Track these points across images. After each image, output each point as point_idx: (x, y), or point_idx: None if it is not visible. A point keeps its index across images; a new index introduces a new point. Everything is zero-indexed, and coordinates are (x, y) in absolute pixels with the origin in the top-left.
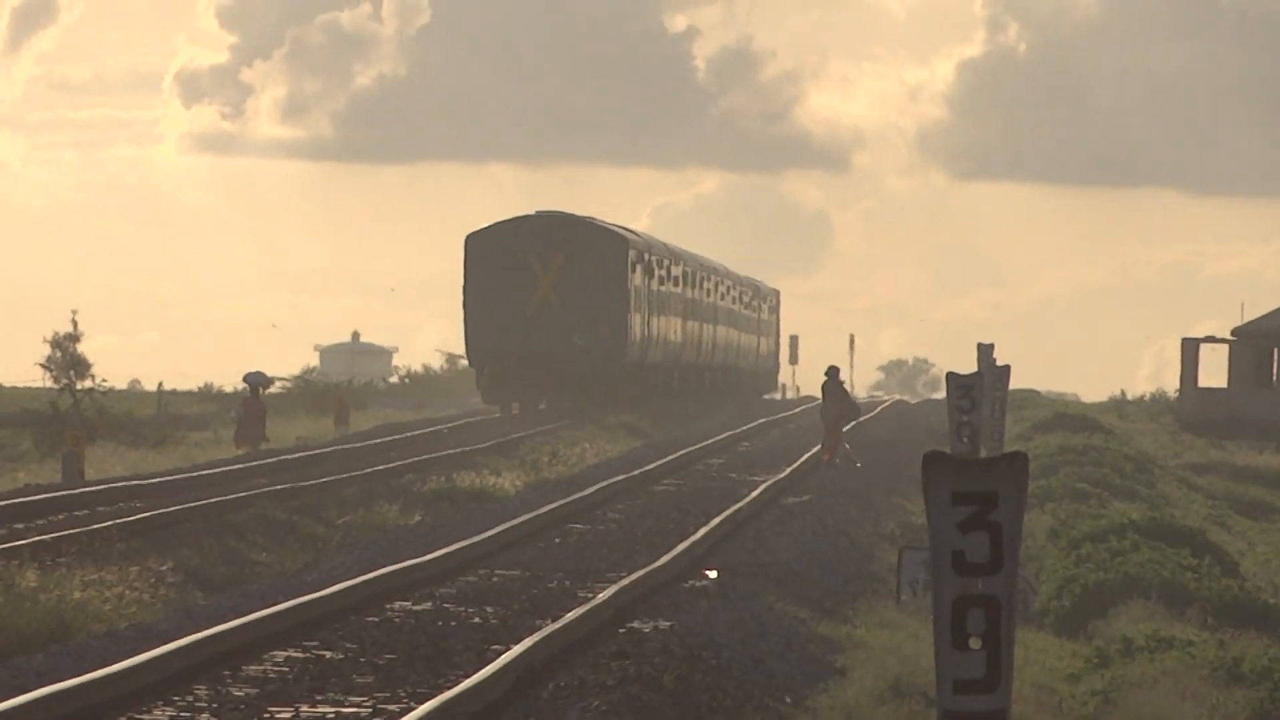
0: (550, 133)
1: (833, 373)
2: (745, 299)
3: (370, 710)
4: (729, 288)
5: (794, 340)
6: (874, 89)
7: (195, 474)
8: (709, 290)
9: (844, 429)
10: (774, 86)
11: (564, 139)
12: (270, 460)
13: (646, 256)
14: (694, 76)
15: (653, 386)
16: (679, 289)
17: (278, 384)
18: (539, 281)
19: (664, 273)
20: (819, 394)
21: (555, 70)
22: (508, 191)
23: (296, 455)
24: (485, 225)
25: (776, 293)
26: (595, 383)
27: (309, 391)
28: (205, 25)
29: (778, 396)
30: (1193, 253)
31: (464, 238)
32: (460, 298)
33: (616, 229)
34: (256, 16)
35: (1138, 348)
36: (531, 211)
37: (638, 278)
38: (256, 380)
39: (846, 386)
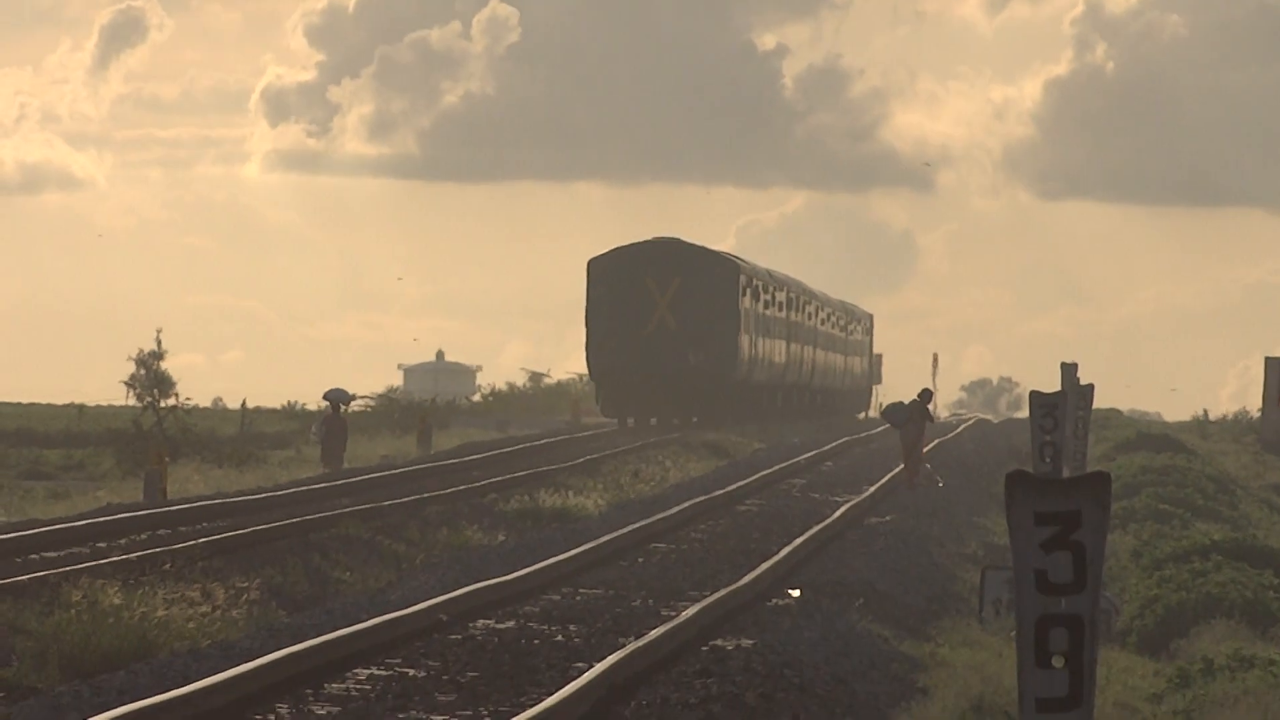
0: (637, 151)
1: (925, 395)
2: (841, 322)
3: None
4: (828, 312)
5: (877, 359)
6: (961, 107)
7: (278, 493)
8: (809, 314)
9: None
10: (861, 104)
11: (651, 158)
12: (353, 479)
13: (755, 282)
14: (781, 95)
15: (758, 404)
16: (783, 313)
17: (361, 403)
18: (656, 303)
19: (769, 297)
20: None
21: (642, 89)
22: (594, 210)
23: (380, 474)
24: (606, 250)
25: (870, 316)
26: (707, 399)
27: (393, 410)
28: (294, 43)
29: (861, 416)
30: (1278, 271)
31: (586, 261)
32: (549, 317)
33: (729, 255)
34: (345, 34)
35: (1222, 367)
36: (647, 236)
37: (747, 301)
38: (338, 397)
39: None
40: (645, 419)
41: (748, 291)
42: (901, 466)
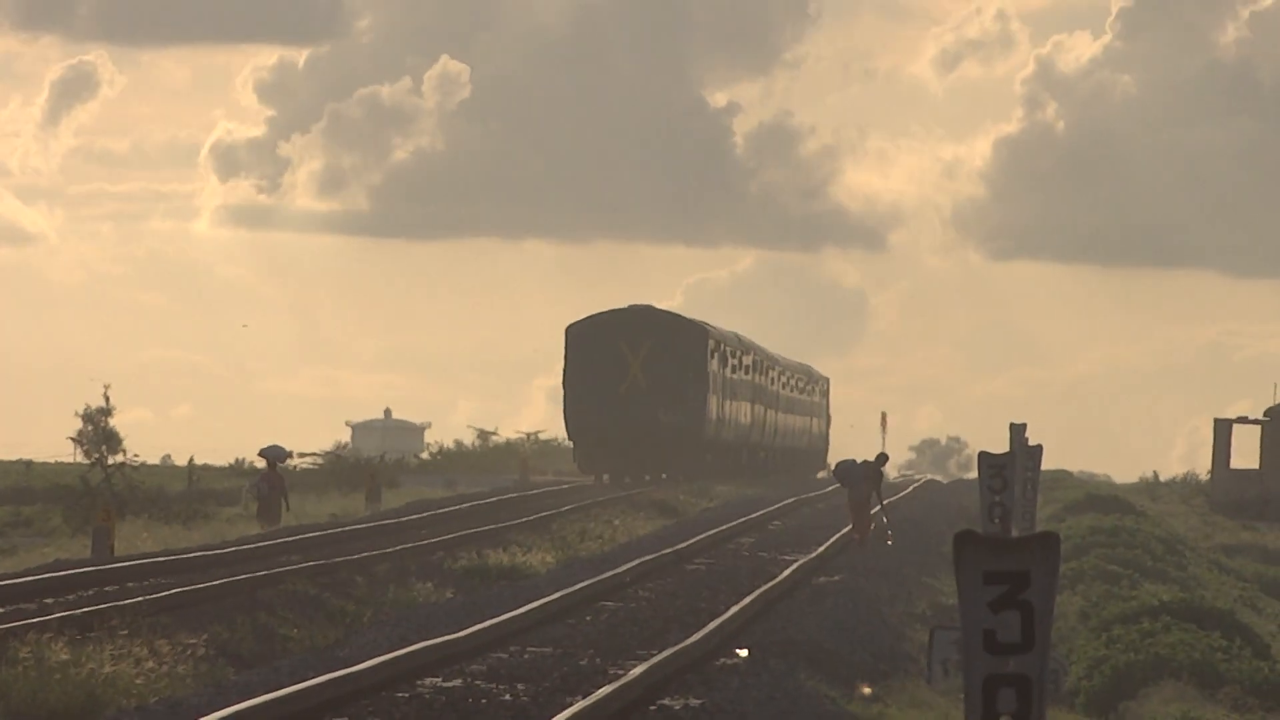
0: (587, 209)
1: (881, 459)
2: (801, 384)
3: None
4: (789, 376)
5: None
6: (912, 165)
7: (225, 550)
8: (772, 378)
9: (871, 512)
10: (812, 162)
11: (601, 215)
12: (301, 536)
13: (723, 346)
14: (732, 152)
15: (725, 462)
16: (748, 376)
17: (309, 460)
18: (629, 366)
19: (736, 361)
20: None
21: (594, 146)
22: (545, 267)
23: (328, 531)
24: (583, 317)
25: (827, 379)
26: (677, 456)
27: (341, 467)
28: (244, 99)
29: (820, 475)
30: (1229, 333)
31: (565, 327)
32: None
33: (697, 322)
34: (295, 90)
35: (1171, 428)
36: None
37: (715, 365)
38: (274, 455)
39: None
40: (619, 475)
41: (715, 355)
42: (850, 526)
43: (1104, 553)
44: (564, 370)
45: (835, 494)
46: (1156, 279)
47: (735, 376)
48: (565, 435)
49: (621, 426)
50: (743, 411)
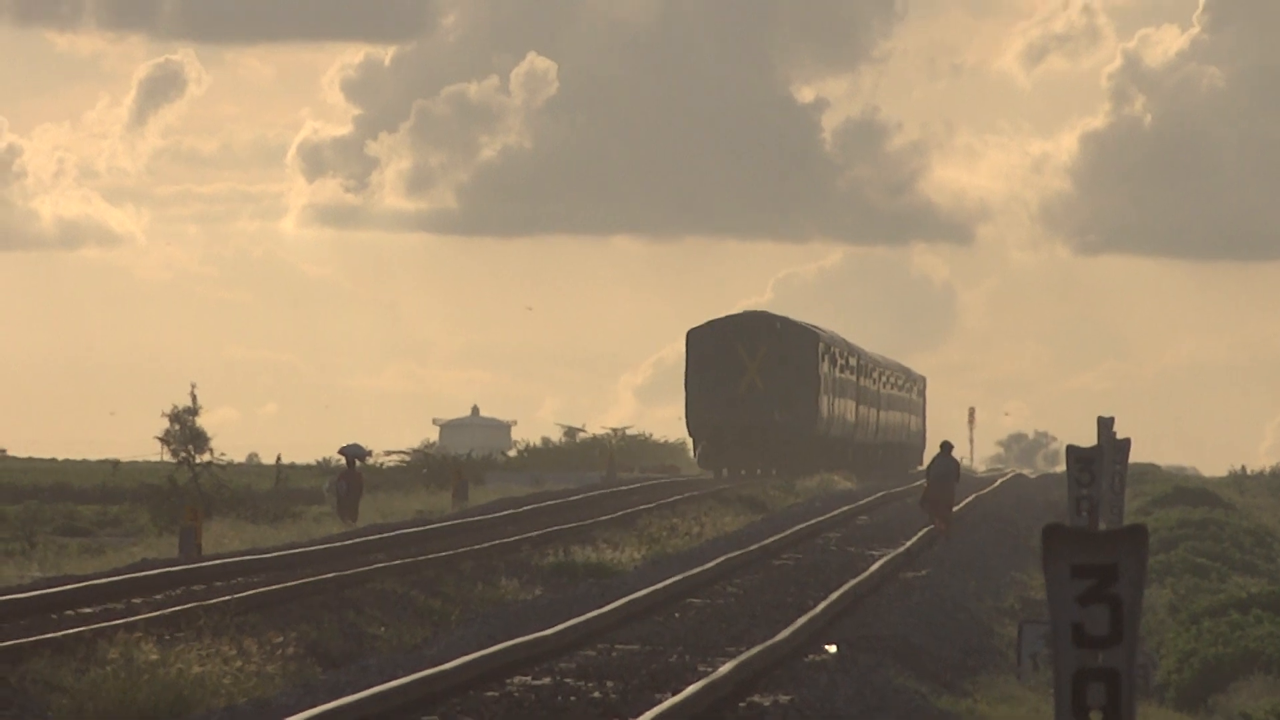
0: (674, 205)
1: (947, 447)
2: (899, 384)
3: None
4: (890, 376)
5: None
6: (999, 161)
7: (312, 548)
8: (875, 378)
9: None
10: (899, 158)
11: (688, 211)
12: (388, 534)
13: (832, 349)
14: (820, 148)
15: (833, 457)
16: (853, 377)
17: (396, 458)
18: (746, 367)
19: (843, 363)
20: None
21: (681, 142)
22: (632, 264)
23: (415, 530)
24: (703, 322)
25: (924, 379)
26: (790, 452)
27: (428, 465)
28: (331, 98)
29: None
30: None
31: (686, 331)
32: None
33: (809, 326)
34: (382, 89)
35: (1259, 421)
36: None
37: (825, 367)
38: (353, 452)
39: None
40: (736, 470)
41: (825, 358)
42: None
43: (1192, 545)
44: (685, 372)
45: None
46: (1244, 272)
47: (842, 377)
48: (649, 430)
49: (739, 424)
50: (849, 410)
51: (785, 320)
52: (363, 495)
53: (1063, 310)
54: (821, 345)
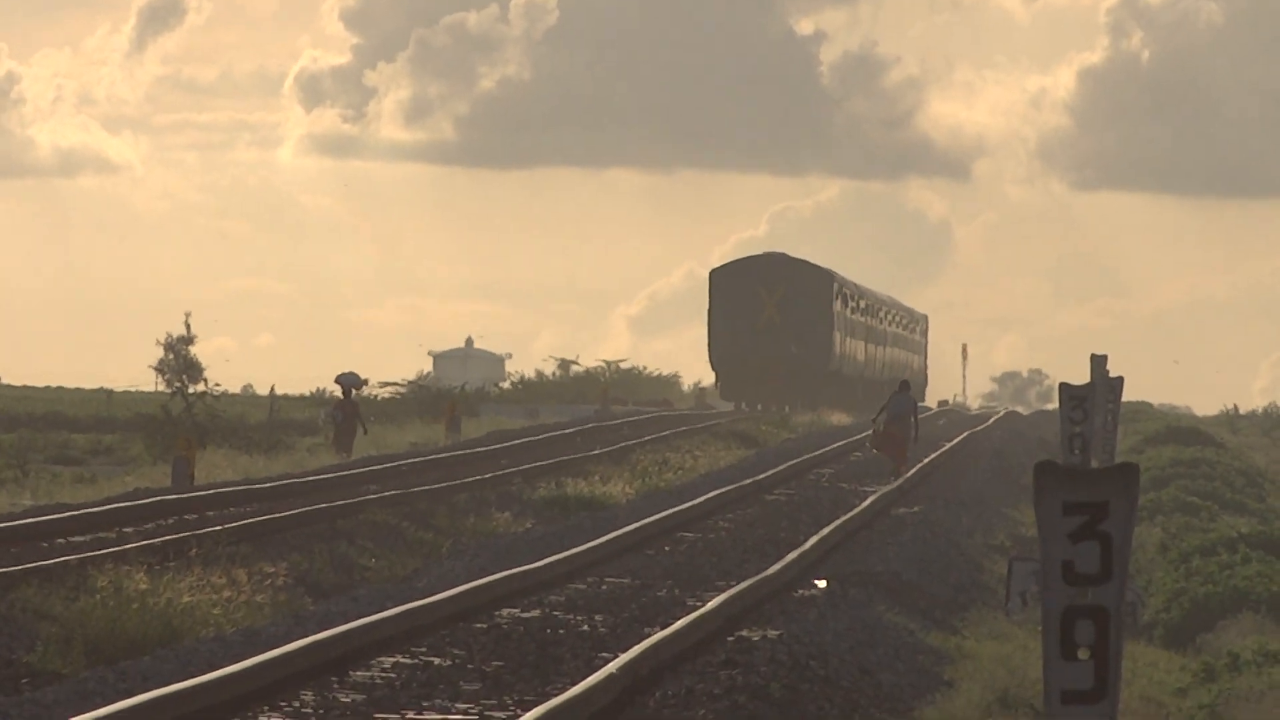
0: (672, 138)
1: (904, 387)
2: (904, 323)
3: (477, 717)
4: (895, 315)
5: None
6: (997, 96)
7: (305, 479)
8: (882, 318)
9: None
10: (897, 92)
11: (687, 144)
12: (381, 466)
13: (844, 290)
14: (818, 82)
15: (844, 393)
16: (863, 318)
17: (390, 389)
18: (765, 305)
19: (855, 304)
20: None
21: (679, 74)
22: (627, 197)
23: (408, 461)
24: (726, 262)
25: (926, 318)
26: (805, 385)
27: (422, 397)
28: (330, 27)
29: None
30: None
31: (709, 271)
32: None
33: (824, 268)
34: (381, 18)
35: (1253, 361)
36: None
37: (838, 306)
38: (349, 381)
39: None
40: (754, 403)
41: (839, 298)
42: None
43: (1184, 484)
44: (708, 310)
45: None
46: (1241, 210)
47: (853, 318)
48: (643, 364)
49: (758, 359)
50: (859, 349)
51: (802, 262)
52: (364, 423)
53: (1059, 247)
54: (835, 286)
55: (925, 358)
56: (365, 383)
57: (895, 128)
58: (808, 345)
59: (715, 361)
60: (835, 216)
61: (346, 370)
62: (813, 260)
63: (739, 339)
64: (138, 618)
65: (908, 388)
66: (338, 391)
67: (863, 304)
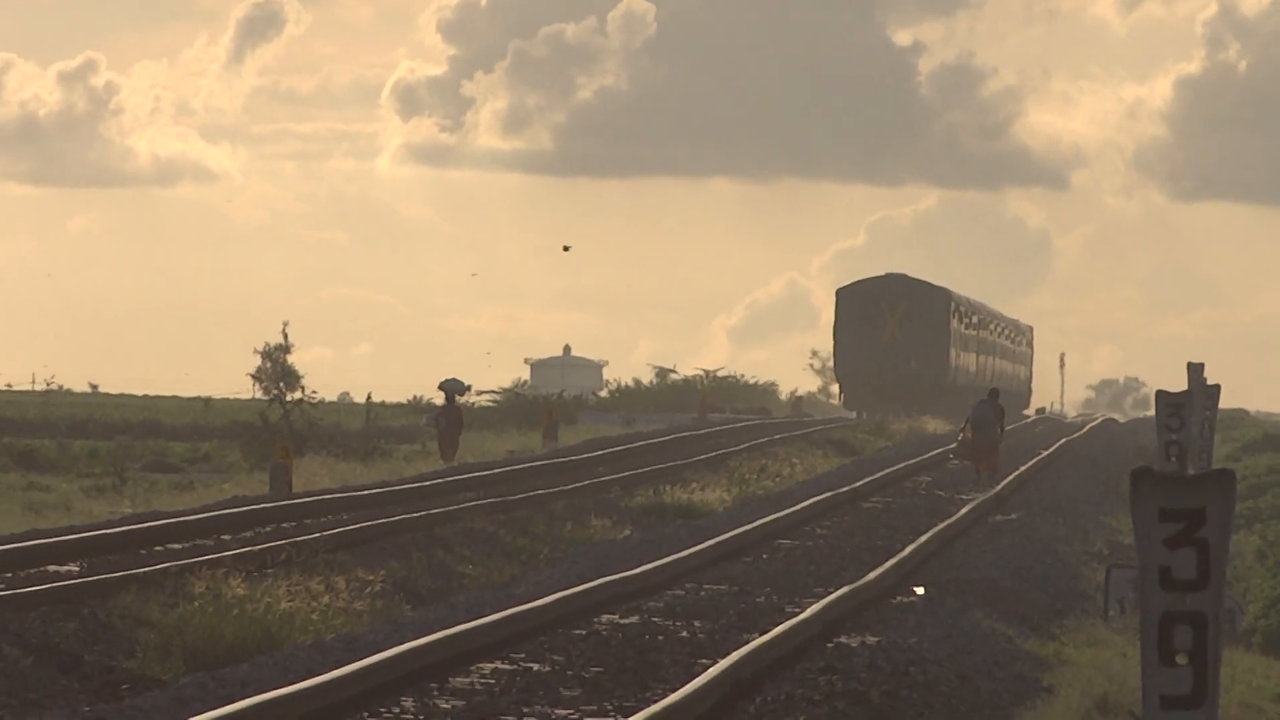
0: (772, 147)
1: (992, 394)
2: (1011, 336)
3: None
4: (1003, 329)
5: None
6: (1093, 107)
7: (402, 487)
8: (991, 330)
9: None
10: (994, 103)
11: (785, 154)
12: (479, 474)
13: (960, 307)
14: (916, 92)
15: (959, 403)
16: (975, 332)
17: (488, 397)
18: (888, 323)
19: (969, 320)
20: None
21: (777, 84)
22: (727, 206)
23: (505, 469)
24: (851, 282)
25: (1031, 329)
26: (925, 398)
27: (519, 405)
28: (427, 38)
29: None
30: None
31: (835, 290)
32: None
33: (942, 287)
34: (479, 29)
35: None
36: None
37: (954, 323)
38: (453, 388)
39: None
40: (875, 413)
41: (955, 315)
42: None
43: None
44: (834, 326)
45: (1014, 433)
46: None
47: (967, 333)
48: (741, 372)
49: (880, 374)
50: (971, 361)
51: (921, 282)
52: (462, 431)
53: (1156, 257)
54: (952, 304)
55: (1030, 368)
56: (469, 388)
57: (992, 138)
58: (927, 360)
59: (840, 375)
60: (933, 226)
61: (449, 376)
62: (930, 280)
63: (863, 354)
64: (236, 624)
65: (996, 395)
66: (440, 397)
67: (975, 319)
